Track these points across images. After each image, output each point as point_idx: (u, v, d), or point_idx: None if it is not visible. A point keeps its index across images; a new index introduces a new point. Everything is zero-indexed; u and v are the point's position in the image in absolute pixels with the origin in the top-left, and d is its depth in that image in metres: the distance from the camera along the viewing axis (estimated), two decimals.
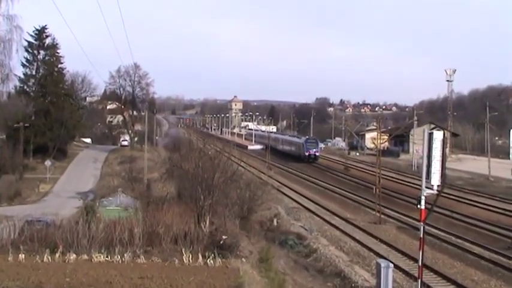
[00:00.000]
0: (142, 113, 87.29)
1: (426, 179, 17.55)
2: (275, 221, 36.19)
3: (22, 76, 74.99)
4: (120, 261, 20.26)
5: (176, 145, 70.56)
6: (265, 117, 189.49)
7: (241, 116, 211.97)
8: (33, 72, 76.17)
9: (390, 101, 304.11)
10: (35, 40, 75.37)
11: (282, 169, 75.47)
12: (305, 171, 73.44)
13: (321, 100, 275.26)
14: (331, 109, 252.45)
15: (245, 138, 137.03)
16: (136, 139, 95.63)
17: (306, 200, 49.05)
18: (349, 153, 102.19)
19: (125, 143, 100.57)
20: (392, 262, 21.81)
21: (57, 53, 77.37)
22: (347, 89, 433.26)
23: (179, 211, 26.50)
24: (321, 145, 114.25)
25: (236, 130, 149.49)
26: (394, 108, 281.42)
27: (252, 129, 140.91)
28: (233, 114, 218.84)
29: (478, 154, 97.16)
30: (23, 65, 74.51)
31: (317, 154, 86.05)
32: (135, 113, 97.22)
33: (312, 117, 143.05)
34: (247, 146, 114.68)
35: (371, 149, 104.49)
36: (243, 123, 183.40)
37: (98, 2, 55.08)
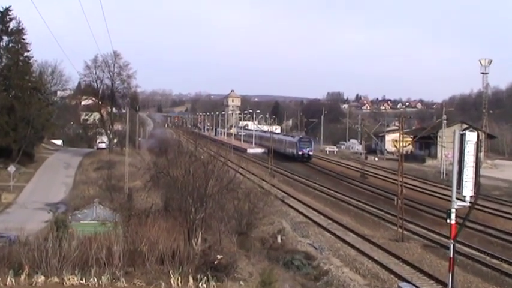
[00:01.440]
0: (123, 110, 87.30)
1: (457, 189, 17.56)
2: (279, 237, 36.22)
3: None
4: (96, 285, 20.30)
5: (163, 148, 70.86)
6: (267, 116, 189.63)
7: (240, 114, 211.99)
8: None
9: (415, 96, 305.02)
10: None
11: (288, 176, 75.72)
12: (314, 178, 73.69)
13: (333, 96, 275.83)
14: (345, 106, 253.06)
15: (244, 140, 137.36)
16: (115, 141, 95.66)
17: (315, 213, 49.13)
18: (366, 158, 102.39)
19: (102, 145, 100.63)
20: (417, 286, 21.81)
21: (23, 39, 77.27)
22: (364, 82, 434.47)
23: (166, 226, 26.52)
24: (334, 148, 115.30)
25: (233, 130, 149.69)
26: (419, 105, 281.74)
27: (251, 130, 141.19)
28: (230, 112, 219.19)
29: None
30: None
31: (310, 153, 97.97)
32: (114, 110, 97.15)
33: (322, 116, 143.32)
34: (246, 149, 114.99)
35: (392, 153, 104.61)
36: (242, 123, 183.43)
37: None
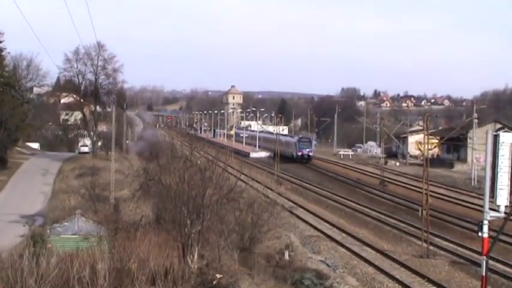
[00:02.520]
0: (109, 109, 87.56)
1: (490, 197, 17.54)
2: (287, 253, 36.06)
3: None
4: None
5: (154, 152, 71.66)
6: (273, 115, 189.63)
7: (241, 112, 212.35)
8: None
9: (441, 92, 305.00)
10: None
11: (296, 183, 75.96)
12: (326, 186, 73.88)
13: (348, 92, 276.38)
14: (361, 103, 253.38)
15: (246, 143, 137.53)
16: (100, 144, 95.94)
17: (328, 225, 49.09)
18: (386, 163, 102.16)
19: (85, 149, 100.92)
20: None
21: None
22: (383, 76, 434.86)
23: (158, 240, 26.49)
24: (349, 152, 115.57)
25: (234, 132, 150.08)
26: (446, 102, 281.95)
27: (255, 131, 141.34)
28: (230, 111, 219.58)
29: None
30: None
31: (310, 154, 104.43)
32: (98, 108, 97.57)
33: (335, 115, 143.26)
34: (249, 153, 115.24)
35: (415, 157, 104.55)
36: (244, 123, 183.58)
37: None
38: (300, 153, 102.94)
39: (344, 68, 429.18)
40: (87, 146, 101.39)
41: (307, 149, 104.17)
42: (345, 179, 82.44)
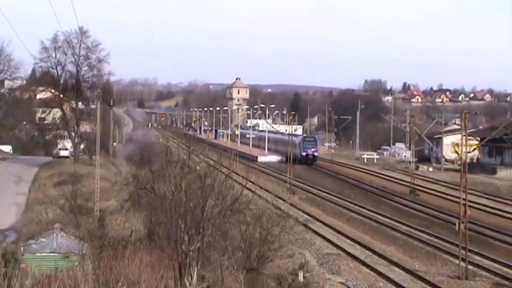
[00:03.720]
0: (93, 106, 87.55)
1: None
2: (301, 274, 36.13)
3: None
4: None
5: (145, 156, 71.80)
6: (284, 112, 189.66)
7: (248, 109, 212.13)
8: None
9: (481, 85, 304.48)
10: None
11: (312, 193, 76.02)
12: (348, 195, 73.87)
13: (372, 85, 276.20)
14: (388, 99, 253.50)
15: (253, 145, 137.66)
16: (82, 147, 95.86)
17: (349, 241, 49.06)
18: (417, 168, 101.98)
19: (65, 152, 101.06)
20: None
21: None
22: (414, 67, 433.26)
23: (150, 259, 26.39)
24: (374, 155, 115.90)
25: (239, 132, 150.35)
26: (487, 97, 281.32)
27: (264, 131, 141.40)
28: (235, 107, 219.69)
29: None
30: None
31: (316, 154, 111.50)
32: (80, 105, 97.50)
33: (358, 112, 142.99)
34: (256, 157, 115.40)
35: (452, 162, 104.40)
36: (251, 121, 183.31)
37: None
38: (304, 154, 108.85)
39: (368, 57, 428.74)
40: (67, 149, 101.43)
41: (313, 149, 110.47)
42: (369, 187, 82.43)
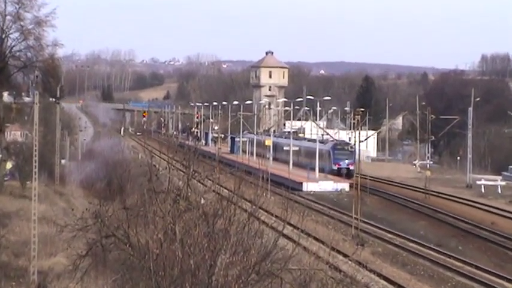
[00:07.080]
0: (27, 98, 76.31)
1: None
2: None
3: None
4: None
5: (114, 182, 65.17)
6: (347, 108, 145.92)
7: (285, 104, 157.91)
8: None
9: None
10: None
11: (392, 242, 61.35)
12: (453, 248, 60.06)
13: (494, 63, 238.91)
14: None
15: (294, 164, 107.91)
16: (9, 166, 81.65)
17: None
18: None
19: None
20: None
21: None
22: None
23: None
24: (498, 181, 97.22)
25: (270, 142, 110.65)
26: None
27: (314, 139, 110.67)
28: (264, 101, 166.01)
29: None
30: None
31: (351, 168, 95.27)
32: (6, 97, 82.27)
33: (470, 108, 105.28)
34: (301, 184, 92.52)
35: None
36: (290, 124, 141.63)
37: None
38: (335, 167, 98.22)
39: (482, 21, 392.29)
40: None
41: (347, 161, 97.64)
42: (490, 234, 66.77)
